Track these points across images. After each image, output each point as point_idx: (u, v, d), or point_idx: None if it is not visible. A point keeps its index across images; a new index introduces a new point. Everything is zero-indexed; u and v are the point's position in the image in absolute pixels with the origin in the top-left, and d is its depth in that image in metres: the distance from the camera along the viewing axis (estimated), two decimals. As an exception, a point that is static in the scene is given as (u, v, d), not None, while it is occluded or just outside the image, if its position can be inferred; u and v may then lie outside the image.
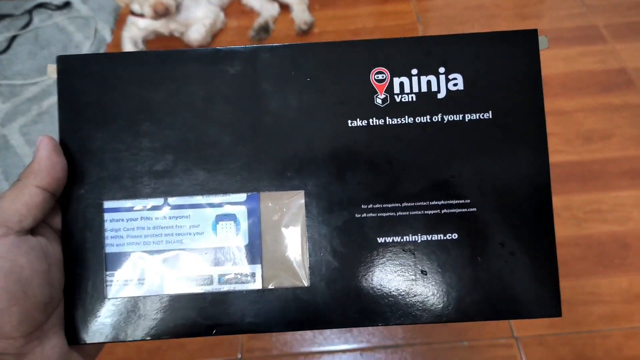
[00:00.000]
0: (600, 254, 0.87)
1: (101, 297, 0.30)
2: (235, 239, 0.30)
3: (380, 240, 0.30)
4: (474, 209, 0.30)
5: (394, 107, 0.31)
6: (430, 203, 0.30)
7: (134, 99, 0.31)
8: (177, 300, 0.30)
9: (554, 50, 1.15)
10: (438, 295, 0.30)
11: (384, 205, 0.30)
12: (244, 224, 0.30)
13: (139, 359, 0.81)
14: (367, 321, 0.30)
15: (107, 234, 0.30)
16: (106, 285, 0.30)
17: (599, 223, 0.90)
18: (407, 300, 0.30)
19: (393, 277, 0.30)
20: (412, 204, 0.30)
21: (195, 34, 1.23)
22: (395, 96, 0.31)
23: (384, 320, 0.30)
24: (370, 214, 0.30)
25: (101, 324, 0.30)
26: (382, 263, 0.30)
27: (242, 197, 0.31)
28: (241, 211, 0.31)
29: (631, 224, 0.91)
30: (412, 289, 0.30)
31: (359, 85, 0.31)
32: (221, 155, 0.31)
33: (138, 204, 0.31)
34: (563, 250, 0.85)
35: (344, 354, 0.81)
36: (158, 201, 0.31)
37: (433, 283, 0.30)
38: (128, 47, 1.24)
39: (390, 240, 0.30)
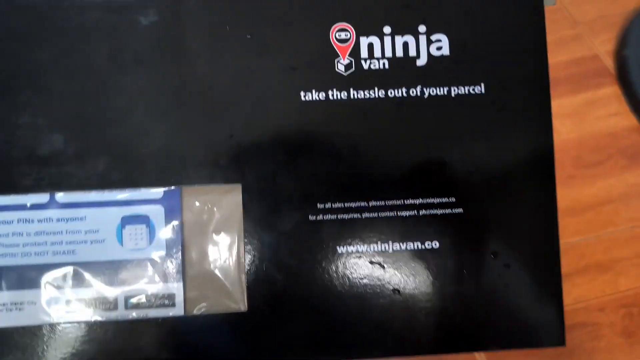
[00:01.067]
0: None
1: None
2: (147, 249, 0.24)
3: (341, 249, 0.24)
4: (460, 210, 0.24)
5: (360, 76, 0.25)
6: (405, 202, 0.24)
7: (11, 59, 0.24)
8: (67, 332, 0.23)
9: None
10: (414, 321, 0.24)
11: (345, 205, 0.24)
12: (160, 229, 0.24)
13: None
14: (323, 356, 0.24)
15: (-30, 242, 0.23)
16: None
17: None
18: (374, 327, 0.24)
19: (356, 298, 0.24)
20: (382, 202, 0.24)
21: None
22: (362, 62, 0.25)
23: (344, 355, 0.24)
24: (328, 216, 0.24)
25: None
26: (342, 280, 0.24)
27: (158, 192, 0.24)
28: (156, 211, 0.24)
29: (554, 135, 0.92)
30: (380, 313, 0.24)
31: (315, 46, 0.25)
32: (130, 136, 0.24)
33: (14, 201, 0.24)
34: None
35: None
36: (42, 197, 0.24)
37: (407, 306, 0.24)
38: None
39: (354, 250, 0.24)
